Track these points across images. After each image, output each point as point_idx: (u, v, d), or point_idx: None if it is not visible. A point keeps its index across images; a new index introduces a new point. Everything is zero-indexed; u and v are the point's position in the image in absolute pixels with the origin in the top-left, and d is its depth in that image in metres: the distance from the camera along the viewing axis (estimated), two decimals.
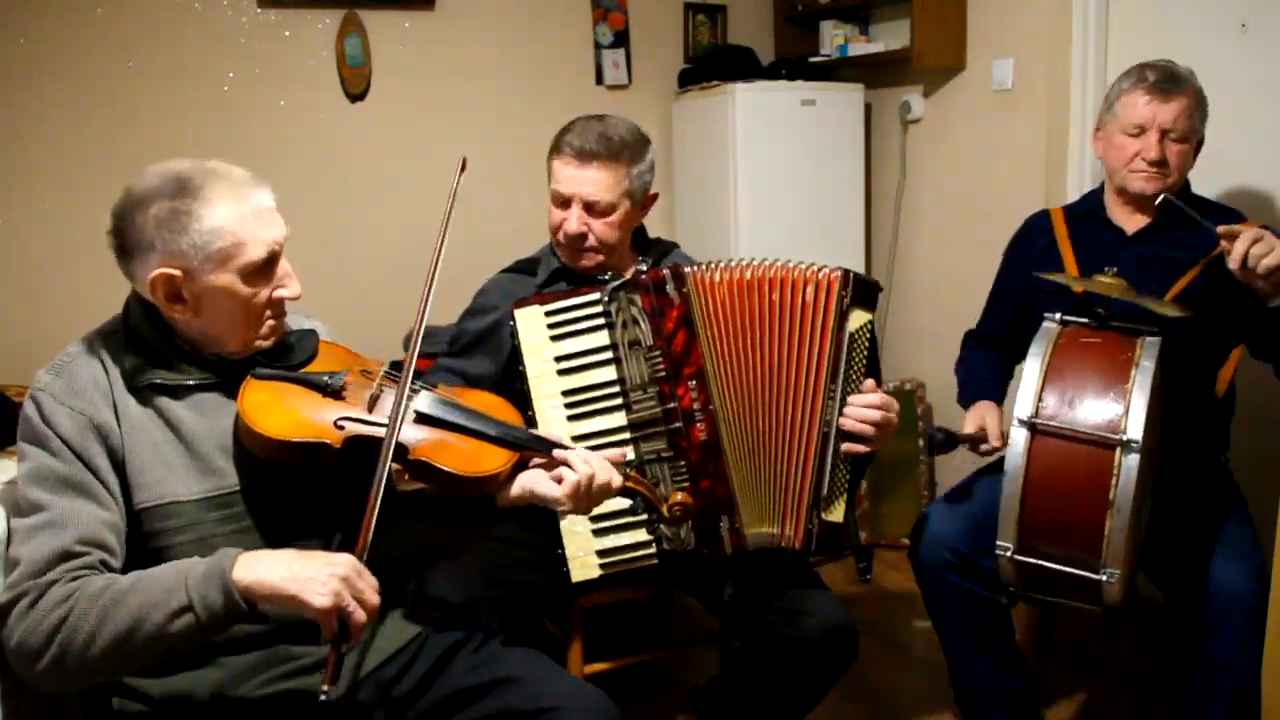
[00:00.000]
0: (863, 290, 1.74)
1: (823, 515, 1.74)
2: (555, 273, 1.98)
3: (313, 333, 1.48)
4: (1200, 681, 1.82)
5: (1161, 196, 1.92)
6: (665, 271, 1.73)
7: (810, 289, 1.72)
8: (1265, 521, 1.67)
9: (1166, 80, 1.98)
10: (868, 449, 1.73)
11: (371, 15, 3.21)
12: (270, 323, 1.38)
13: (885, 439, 1.76)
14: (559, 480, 1.41)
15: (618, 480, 1.45)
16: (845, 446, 1.72)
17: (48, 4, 2.88)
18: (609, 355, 1.73)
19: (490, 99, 3.38)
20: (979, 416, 2.04)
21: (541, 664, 1.49)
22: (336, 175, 3.23)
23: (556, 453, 1.43)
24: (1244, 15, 2.48)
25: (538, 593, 1.86)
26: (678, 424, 1.72)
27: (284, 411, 1.32)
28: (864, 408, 1.72)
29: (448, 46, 3.33)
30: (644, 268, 1.74)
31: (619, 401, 1.73)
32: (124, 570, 1.28)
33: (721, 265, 1.75)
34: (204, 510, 1.32)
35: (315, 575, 1.19)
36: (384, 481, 1.29)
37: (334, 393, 1.37)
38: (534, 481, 1.42)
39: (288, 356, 1.42)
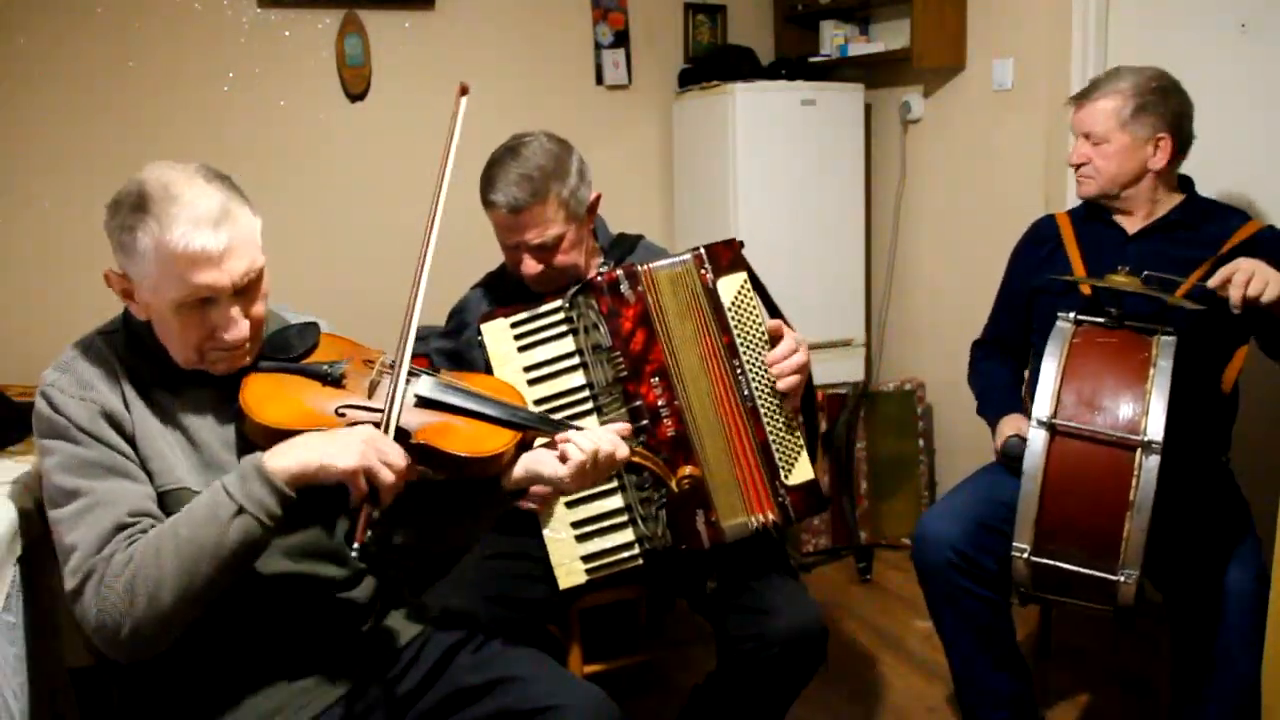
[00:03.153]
0: (721, 256, 1.75)
1: (787, 481, 1.74)
2: (517, 284, 1.97)
3: (314, 325, 1.49)
4: (1201, 681, 1.82)
5: (1144, 275, 1.88)
6: (619, 273, 1.74)
7: (686, 279, 1.74)
8: (1266, 522, 1.67)
9: (1089, 87, 2.05)
10: (799, 395, 1.76)
11: (371, 15, 3.21)
12: (215, 354, 1.33)
13: (807, 374, 1.77)
14: (563, 459, 1.41)
15: (624, 450, 1.44)
16: (788, 405, 1.74)
17: (47, 4, 2.88)
18: (576, 361, 1.74)
19: (490, 99, 3.36)
20: (1015, 429, 2.03)
21: (542, 663, 1.48)
22: (336, 175, 3.23)
23: (560, 434, 1.42)
24: (1244, 15, 2.48)
25: (537, 606, 1.86)
26: (644, 422, 1.72)
27: (285, 401, 1.33)
28: (783, 360, 1.73)
29: (448, 46, 3.33)
30: (603, 270, 1.74)
31: (589, 406, 1.74)
32: None
33: (670, 260, 1.77)
34: None
35: (337, 440, 1.24)
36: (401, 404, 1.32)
37: (334, 381, 1.38)
38: (538, 463, 1.42)
39: (288, 349, 1.42)
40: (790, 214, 3.34)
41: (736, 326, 1.74)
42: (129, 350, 1.36)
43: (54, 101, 2.91)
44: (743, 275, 1.75)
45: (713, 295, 1.74)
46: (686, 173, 3.58)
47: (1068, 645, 2.66)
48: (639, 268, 1.74)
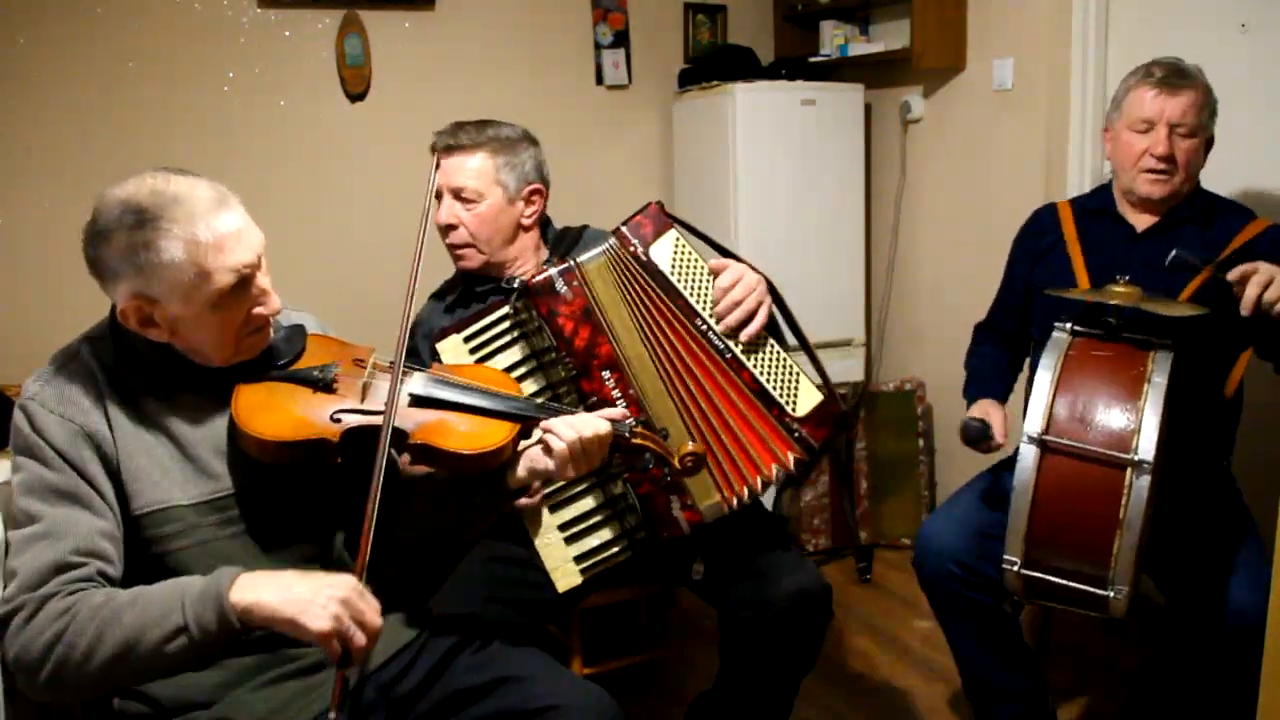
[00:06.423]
0: (643, 226, 1.72)
1: (797, 414, 1.68)
2: (464, 292, 1.98)
3: (300, 328, 1.46)
4: (1199, 688, 1.81)
5: (1173, 254, 1.80)
6: (552, 272, 1.69)
7: (619, 261, 1.70)
8: (1266, 527, 1.66)
9: (1174, 75, 1.95)
10: (758, 322, 1.69)
11: (371, 15, 3.21)
12: (252, 338, 1.35)
13: (763, 298, 1.71)
14: (548, 451, 1.39)
15: (605, 427, 1.40)
16: (743, 335, 1.68)
17: (48, 4, 2.88)
18: (533, 365, 1.73)
19: (490, 99, 3.38)
20: (982, 414, 2.02)
21: (542, 663, 1.48)
22: (336, 175, 3.23)
23: (545, 421, 1.40)
24: (1244, 15, 2.48)
25: (540, 608, 1.85)
26: None
27: (279, 412, 1.31)
28: (725, 294, 1.68)
29: (448, 46, 3.33)
30: (545, 267, 1.72)
31: (554, 406, 1.72)
32: (124, 578, 1.27)
33: (596, 250, 1.72)
34: (202, 515, 1.32)
35: (314, 598, 1.18)
36: (380, 488, 1.27)
37: (326, 386, 1.36)
38: (530, 459, 1.41)
39: (277, 356, 1.40)
40: (790, 214, 3.34)
41: (685, 286, 1.70)
42: (116, 358, 1.33)
43: (54, 101, 2.91)
44: (673, 234, 1.71)
45: (650, 267, 1.69)
46: (686, 173, 3.58)
47: (1068, 645, 2.66)
48: (572, 263, 1.70)
